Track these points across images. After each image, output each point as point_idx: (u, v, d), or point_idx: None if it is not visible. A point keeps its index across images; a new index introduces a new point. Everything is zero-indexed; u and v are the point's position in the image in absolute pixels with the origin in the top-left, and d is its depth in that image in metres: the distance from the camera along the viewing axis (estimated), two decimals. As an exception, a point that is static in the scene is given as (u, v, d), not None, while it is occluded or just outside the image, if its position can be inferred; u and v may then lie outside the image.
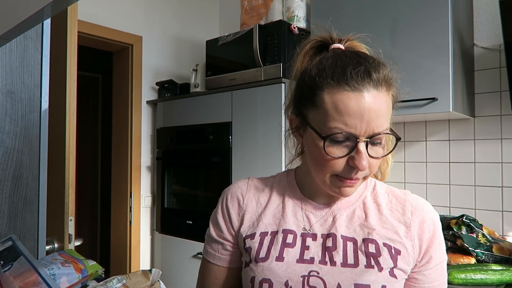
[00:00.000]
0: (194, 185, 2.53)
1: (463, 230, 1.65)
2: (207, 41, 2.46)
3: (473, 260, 1.55)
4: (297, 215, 0.77)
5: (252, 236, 0.76)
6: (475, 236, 1.61)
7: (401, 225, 0.73)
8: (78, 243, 1.50)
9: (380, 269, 0.68)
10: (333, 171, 0.68)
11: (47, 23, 1.18)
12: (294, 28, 2.14)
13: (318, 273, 0.69)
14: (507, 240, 1.71)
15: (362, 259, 0.69)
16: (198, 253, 2.35)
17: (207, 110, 2.38)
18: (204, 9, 3.10)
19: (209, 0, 3.14)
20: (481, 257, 1.54)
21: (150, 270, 0.86)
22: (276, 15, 2.37)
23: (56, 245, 1.41)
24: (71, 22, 1.46)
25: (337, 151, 0.65)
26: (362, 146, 0.64)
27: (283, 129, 1.99)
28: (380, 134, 0.65)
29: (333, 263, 0.70)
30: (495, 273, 1.43)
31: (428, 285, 0.73)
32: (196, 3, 3.05)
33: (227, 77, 2.31)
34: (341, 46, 0.76)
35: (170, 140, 2.58)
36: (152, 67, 2.79)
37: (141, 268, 2.64)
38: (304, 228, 0.75)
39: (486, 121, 1.90)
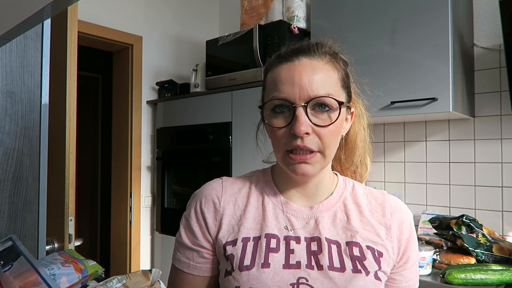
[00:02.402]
0: (194, 185, 2.53)
1: (463, 230, 1.64)
2: (207, 41, 2.46)
3: (473, 260, 1.55)
4: (278, 218, 0.73)
5: (233, 242, 0.71)
6: (475, 236, 1.61)
7: (381, 226, 0.72)
8: (78, 243, 1.50)
9: (367, 273, 0.67)
10: (283, 146, 0.68)
11: (47, 23, 1.18)
12: (294, 28, 2.14)
13: (307, 280, 0.66)
14: (507, 240, 1.71)
15: (348, 263, 0.68)
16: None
17: (207, 110, 2.38)
18: (204, 9, 3.10)
19: (209, 0, 3.14)
20: (481, 257, 1.54)
21: (150, 270, 0.86)
22: (276, 15, 2.37)
23: (56, 245, 1.41)
24: (71, 22, 1.46)
25: (279, 121, 0.68)
26: (298, 111, 0.66)
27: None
28: (316, 98, 0.66)
29: (320, 267, 0.68)
30: (495, 273, 1.43)
31: (404, 284, 0.74)
32: (196, 3, 3.05)
33: (227, 77, 2.31)
34: None
35: (170, 140, 2.58)
36: (152, 67, 2.79)
37: (141, 268, 2.64)
38: (286, 228, 0.72)
39: (486, 121, 1.90)
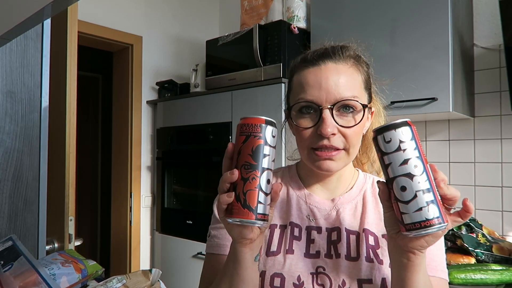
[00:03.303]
0: (194, 185, 2.53)
1: (463, 230, 1.65)
2: (207, 41, 2.46)
3: (473, 260, 1.55)
4: (301, 209, 0.78)
5: None
6: (475, 236, 1.61)
7: None
8: (78, 243, 1.50)
9: (380, 261, 0.71)
10: (308, 144, 0.72)
11: (47, 23, 1.18)
12: (294, 28, 2.14)
13: (324, 269, 0.71)
14: (507, 240, 1.71)
15: (363, 252, 0.72)
16: (198, 253, 2.35)
17: (207, 110, 2.38)
18: (204, 9, 3.10)
19: (209, 0, 3.14)
20: (481, 257, 1.54)
21: (150, 270, 0.86)
22: (276, 15, 2.37)
23: (56, 245, 1.41)
24: (71, 22, 1.46)
25: (306, 122, 0.72)
26: (325, 113, 0.69)
27: (283, 129, 1.99)
28: (342, 101, 0.69)
29: (337, 255, 0.72)
30: (495, 273, 1.43)
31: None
32: (196, 3, 3.05)
33: (227, 77, 2.31)
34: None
35: (170, 140, 2.58)
36: (152, 67, 2.79)
37: (141, 268, 2.64)
38: (309, 218, 0.76)
39: (486, 121, 1.90)
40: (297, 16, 2.25)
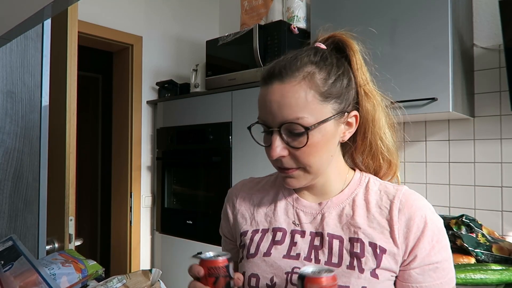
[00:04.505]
0: (194, 185, 2.53)
1: (463, 230, 1.65)
2: (207, 41, 2.46)
3: (472, 260, 1.55)
4: (288, 213, 0.79)
5: (245, 233, 0.81)
6: (474, 236, 1.61)
7: (387, 222, 0.71)
8: (78, 243, 1.50)
9: (361, 270, 0.67)
10: (272, 162, 0.74)
11: (47, 23, 1.18)
12: (294, 28, 2.14)
13: (299, 269, 0.68)
14: (506, 240, 1.71)
15: (346, 259, 0.69)
16: (198, 253, 2.35)
17: (207, 110, 2.38)
18: (204, 9, 3.10)
19: (209, 0, 3.14)
20: (481, 257, 1.54)
21: (150, 270, 0.86)
22: (276, 15, 2.37)
23: (56, 245, 1.41)
24: (71, 22, 1.46)
25: (265, 140, 0.73)
26: (274, 136, 0.70)
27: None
28: (285, 123, 0.68)
29: (317, 261, 0.71)
30: (495, 273, 1.43)
31: (415, 285, 0.70)
32: (196, 3, 3.05)
33: (227, 77, 2.31)
34: (321, 45, 0.77)
35: (170, 140, 2.58)
36: (152, 67, 2.79)
37: (141, 268, 2.64)
38: (294, 223, 0.77)
39: (486, 121, 1.90)
40: (297, 16, 2.25)
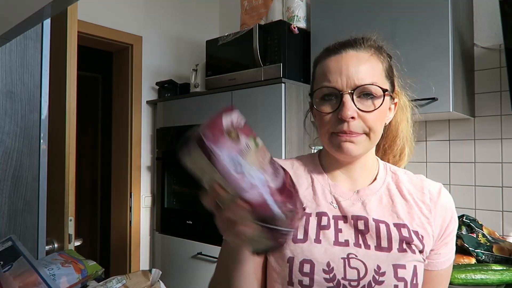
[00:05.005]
0: (194, 185, 2.52)
1: (463, 230, 1.65)
2: (207, 41, 2.46)
3: (473, 260, 1.55)
4: (327, 198, 0.78)
5: None
6: (475, 236, 1.61)
7: (423, 210, 0.76)
8: (78, 243, 1.50)
9: (413, 251, 0.72)
10: (328, 128, 0.74)
11: (47, 23, 1.18)
12: (294, 28, 2.14)
13: (356, 256, 0.71)
14: (507, 240, 1.71)
15: (395, 244, 0.72)
16: (198, 253, 2.35)
17: (207, 110, 2.38)
18: (204, 9, 3.10)
19: (209, 0, 3.14)
20: (481, 257, 1.54)
21: (150, 270, 0.86)
22: (276, 15, 2.37)
23: (56, 245, 1.41)
24: (71, 22, 1.46)
25: (327, 108, 0.74)
26: (345, 97, 0.71)
27: (283, 128, 1.99)
28: (362, 86, 0.71)
29: (367, 246, 0.72)
30: (495, 273, 1.43)
31: (441, 260, 0.77)
32: (196, 3, 3.05)
33: (227, 77, 2.31)
34: None
35: (170, 140, 2.58)
36: (152, 67, 2.79)
37: (141, 268, 2.64)
38: (334, 206, 0.76)
39: (486, 121, 1.90)
40: (297, 16, 2.25)
